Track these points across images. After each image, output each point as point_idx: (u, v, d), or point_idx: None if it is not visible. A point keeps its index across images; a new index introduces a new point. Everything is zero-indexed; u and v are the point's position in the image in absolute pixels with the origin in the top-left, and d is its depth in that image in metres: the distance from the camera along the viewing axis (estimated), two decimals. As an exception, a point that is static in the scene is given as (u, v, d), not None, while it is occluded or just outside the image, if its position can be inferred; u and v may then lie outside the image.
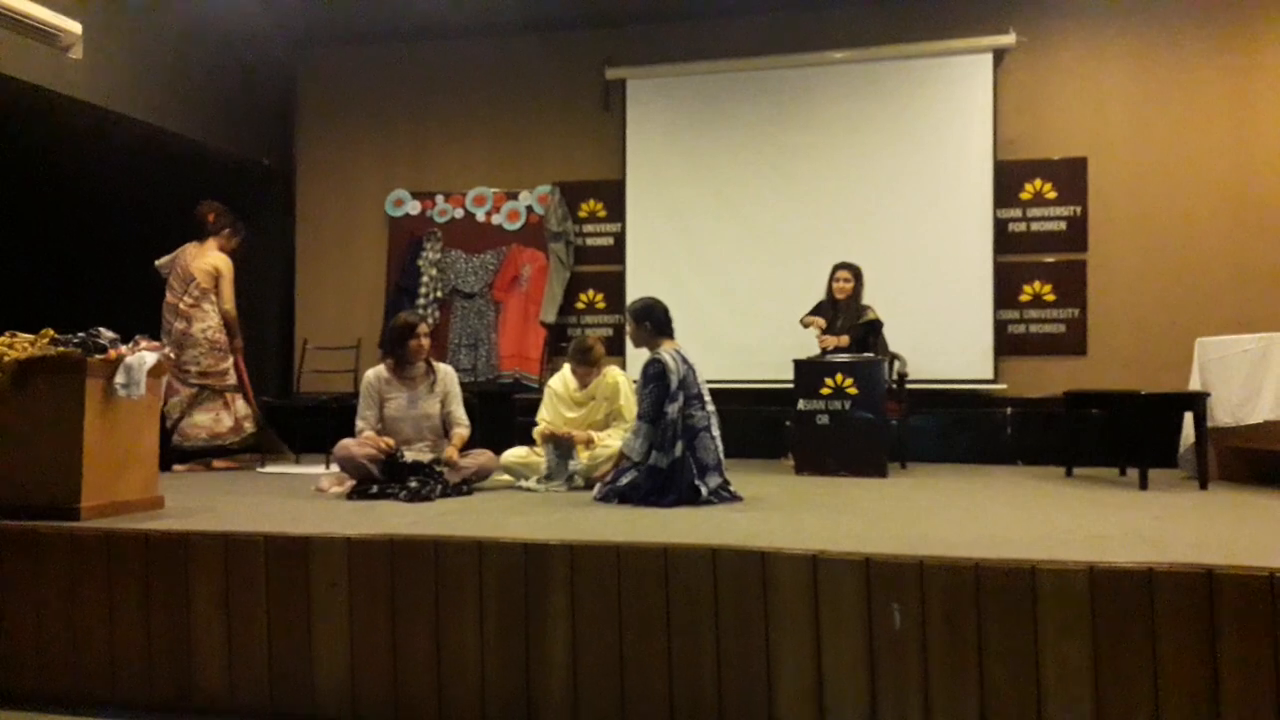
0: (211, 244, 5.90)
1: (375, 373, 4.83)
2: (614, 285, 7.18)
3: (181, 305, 5.71)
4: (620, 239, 7.19)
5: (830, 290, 5.93)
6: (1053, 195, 6.57)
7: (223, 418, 5.76)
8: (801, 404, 5.48)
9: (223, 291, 5.79)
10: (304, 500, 4.35)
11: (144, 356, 3.81)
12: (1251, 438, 4.89)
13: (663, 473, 4.14)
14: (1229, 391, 4.90)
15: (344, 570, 3.11)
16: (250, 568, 3.18)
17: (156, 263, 5.92)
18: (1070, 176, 6.55)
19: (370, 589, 3.09)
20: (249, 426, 5.88)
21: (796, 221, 6.84)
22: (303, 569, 3.14)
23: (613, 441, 4.73)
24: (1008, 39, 6.50)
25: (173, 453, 5.52)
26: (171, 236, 5.95)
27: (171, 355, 4.03)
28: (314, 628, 3.11)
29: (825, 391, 5.42)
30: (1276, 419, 4.59)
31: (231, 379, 5.84)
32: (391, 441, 4.54)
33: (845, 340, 5.74)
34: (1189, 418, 5.08)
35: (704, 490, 4.14)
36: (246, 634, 3.16)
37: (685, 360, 4.29)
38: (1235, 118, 6.36)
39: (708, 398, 4.33)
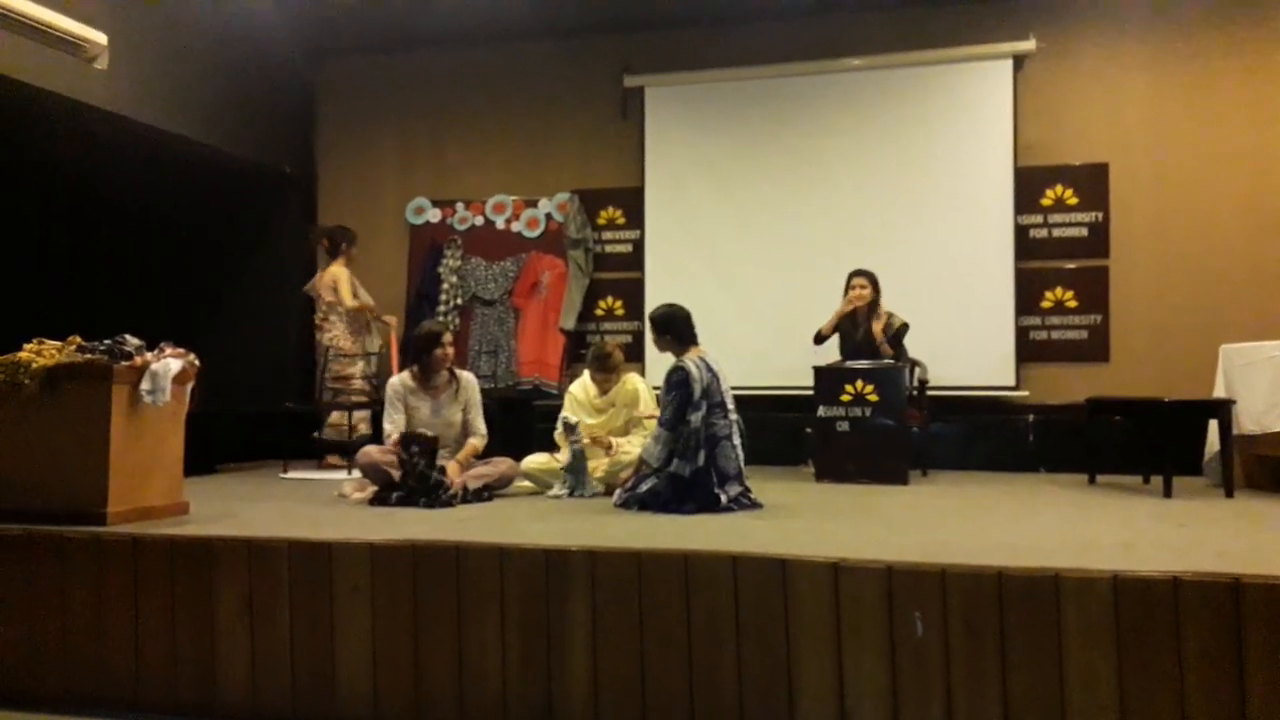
0: (337, 262, 6.51)
1: (400, 379, 4.86)
2: (633, 292, 7.19)
3: (316, 319, 6.55)
4: (639, 246, 7.20)
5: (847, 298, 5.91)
6: (1074, 201, 6.53)
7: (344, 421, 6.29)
8: (822, 410, 5.46)
9: (341, 294, 6.39)
10: (327, 506, 4.38)
11: (169, 363, 3.85)
12: (1277, 445, 4.83)
13: (684, 480, 4.14)
14: (1254, 398, 4.85)
15: (367, 576, 3.13)
16: (274, 573, 3.21)
17: (304, 288, 6.79)
18: (1091, 182, 6.51)
19: (392, 595, 3.11)
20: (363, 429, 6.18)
21: (815, 228, 6.82)
22: (326, 574, 3.16)
23: (633, 448, 4.72)
24: (1028, 45, 6.47)
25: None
26: (194, 243, 6.03)
27: (196, 362, 4.07)
28: (336, 633, 3.13)
29: (845, 398, 5.40)
30: (1303, 426, 4.54)
31: (357, 386, 6.30)
32: (458, 473, 4.52)
33: (868, 294, 5.80)
34: (1214, 425, 5.03)
35: (724, 498, 4.14)
36: (269, 639, 3.19)
37: (710, 368, 4.29)
38: (1256, 122, 6.30)
39: (731, 405, 4.32)
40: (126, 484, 3.68)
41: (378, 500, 4.40)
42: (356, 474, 4.98)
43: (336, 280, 6.42)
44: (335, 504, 4.48)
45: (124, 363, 3.73)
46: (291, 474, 5.92)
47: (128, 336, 3.87)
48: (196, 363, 4.06)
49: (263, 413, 6.72)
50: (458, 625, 3.04)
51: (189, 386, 4.06)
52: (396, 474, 4.44)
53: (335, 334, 6.43)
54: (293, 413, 6.30)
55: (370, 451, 4.57)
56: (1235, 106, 6.33)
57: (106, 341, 3.81)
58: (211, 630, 3.24)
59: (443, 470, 4.44)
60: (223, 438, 6.56)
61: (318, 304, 6.55)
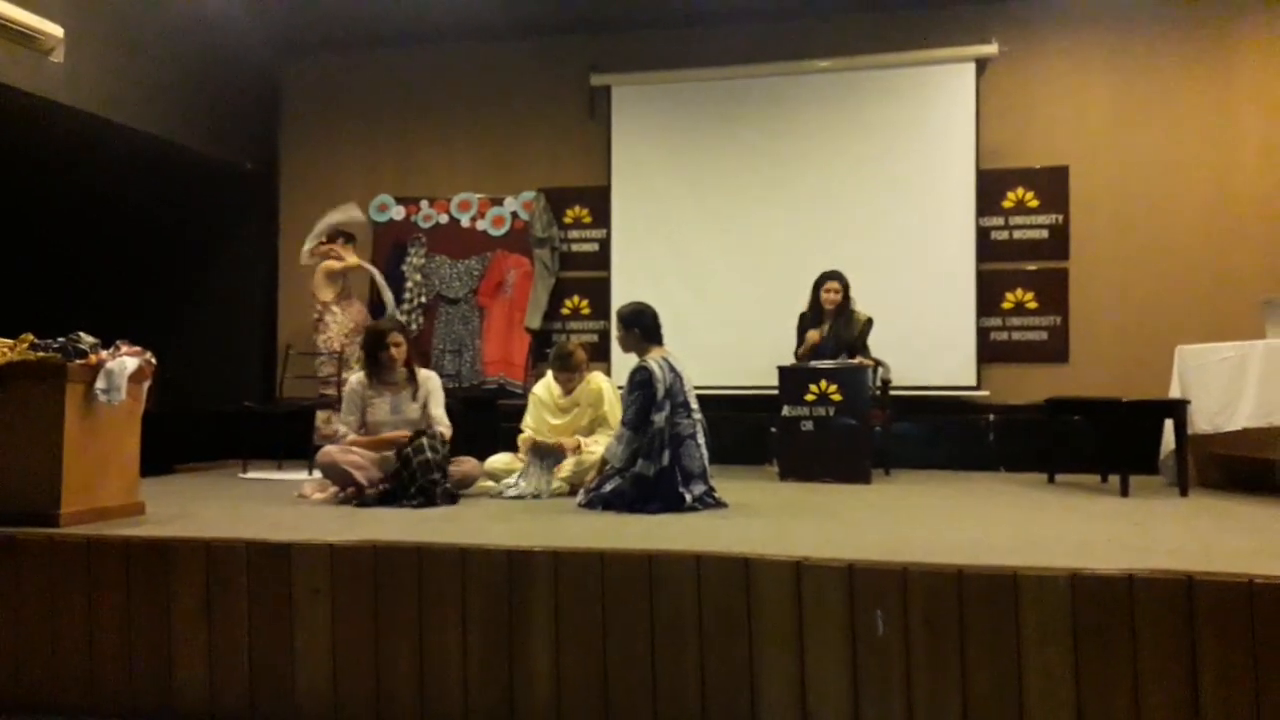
0: (327, 264, 6.52)
1: (358, 378, 4.82)
2: (599, 291, 7.18)
3: (313, 320, 6.54)
4: (605, 245, 7.19)
5: (818, 301, 5.93)
6: (1035, 204, 6.62)
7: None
8: (786, 410, 5.49)
9: (348, 262, 6.51)
10: (286, 506, 4.33)
11: (125, 362, 3.79)
12: (1230, 445, 4.93)
13: (648, 480, 4.14)
14: (1208, 399, 4.94)
15: (326, 577, 3.10)
16: (232, 574, 3.17)
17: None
18: (1052, 185, 6.60)
19: (353, 596, 3.08)
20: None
21: (781, 228, 6.86)
22: (285, 576, 3.12)
23: (598, 448, 4.71)
24: (990, 49, 6.54)
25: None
26: (153, 240, 5.93)
27: (153, 360, 4.00)
28: (296, 635, 3.09)
29: (810, 398, 5.44)
30: (1254, 426, 4.62)
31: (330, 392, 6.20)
32: (407, 433, 4.48)
33: (838, 298, 5.84)
34: (1169, 425, 5.12)
35: (688, 498, 4.14)
36: (228, 641, 3.14)
37: (673, 368, 4.29)
38: (1214, 127, 6.43)
39: (695, 405, 4.33)
40: (80, 484, 3.62)
41: (360, 501, 4.33)
42: (317, 474, 4.93)
43: (328, 270, 6.48)
44: (295, 504, 4.43)
45: (78, 361, 3.66)
46: (251, 474, 5.85)
47: (82, 334, 3.81)
48: (153, 361, 3.99)
49: (222, 412, 6.64)
50: (419, 627, 3.02)
51: (146, 385, 3.99)
52: (358, 474, 4.40)
53: (330, 335, 6.40)
54: (252, 412, 6.21)
55: (331, 451, 4.53)
56: (1194, 113, 6.45)
57: (60, 339, 3.73)
58: (168, 633, 3.18)
59: (442, 468, 4.40)
60: (181, 437, 6.47)
61: (313, 306, 6.55)
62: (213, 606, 3.17)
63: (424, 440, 4.38)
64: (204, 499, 4.57)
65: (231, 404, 6.38)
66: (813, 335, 5.84)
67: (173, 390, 5.65)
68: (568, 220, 7.28)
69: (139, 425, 3.99)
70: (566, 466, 4.78)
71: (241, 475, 5.82)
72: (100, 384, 3.69)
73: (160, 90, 6.53)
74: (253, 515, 3.99)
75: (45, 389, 3.57)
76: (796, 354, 5.92)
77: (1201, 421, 4.94)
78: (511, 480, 4.76)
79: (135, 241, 7.40)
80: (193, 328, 7.41)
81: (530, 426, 5.03)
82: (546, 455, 4.80)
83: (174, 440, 6.30)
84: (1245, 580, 2.54)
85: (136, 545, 3.26)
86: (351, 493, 4.43)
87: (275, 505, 4.37)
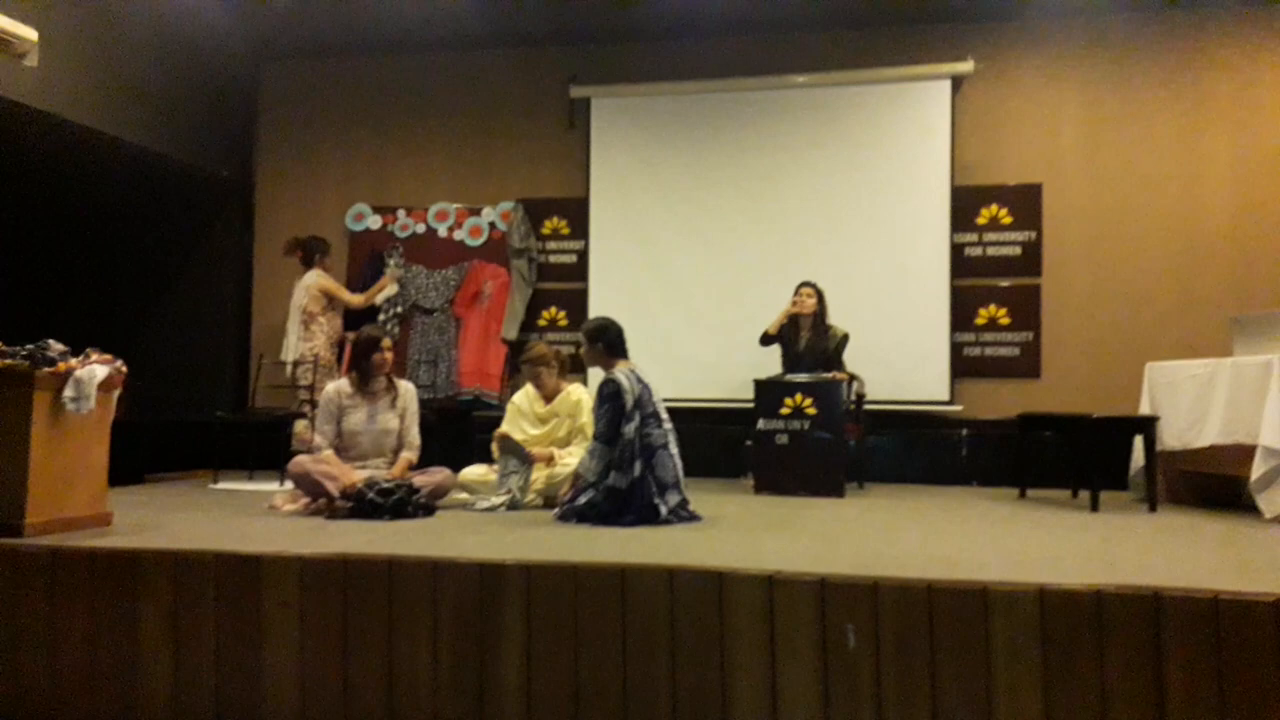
0: (314, 272, 6.47)
1: (336, 386, 4.79)
2: (577, 303, 7.17)
3: (298, 327, 6.41)
4: (584, 256, 7.20)
5: (785, 327, 5.99)
6: (1008, 220, 6.69)
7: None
8: (761, 424, 5.51)
9: (342, 297, 6.54)
10: (256, 518, 4.29)
11: (94, 370, 3.75)
12: (1198, 461, 4.99)
13: (621, 493, 4.14)
14: (1177, 416, 5.00)
15: (296, 590, 3.07)
16: (199, 587, 3.13)
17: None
18: (1025, 202, 6.67)
19: (322, 609, 3.05)
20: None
21: (758, 242, 6.89)
22: (254, 588, 3.09)
23: (572, 460, 4.71)
24: (966, 66, 6.62)
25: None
26: (127, 247, 5.88)
27: (123, 369, 3.96)
28: (264, 649, 3.06)
29: (785, 411, 5.46)
30: (1222, 443, 4.68)
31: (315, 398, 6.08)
32: (358, 479, 4.40)
33: (813, 303, 5.89)
34: (1139, 441, 5.18)
35: (663, 509, 4.14)
36: (194, 655, 3.10)
37: (640, 379, 4.30)
38: (1184, 147, 6.53)
39: (665, 415, 4.34)
40: (46, 494, 3.57)
41: (332, 514, 4.29)
42: (289, 485, 4.89)
43: (326, 290, 6.44)
44: (265, 516, 4.38)
45: (46, 369, 3.62)
46: (222, 485, 5.79)
47: (51, 341, 3.76)
48: (124, 369, 3.95)
49: (194, 421, 6.57)
50: (389, 641, 3.00)
51: (116, 394, 3.95)
52: (330, 485, 4.36)
53: (316, 344, 6.35)
54: (224, 421, 6.16)
55: (303, 461, 4.49)
56: (1165, 133, 6.55)
57: (29, 346, 3.69)
58: (134, 645, 3.14)
59: (414, 488, 4.36)
60: (152, 447, 6.40)
61: (293, 315, 6.43)
62: (179, 619, 3.13)
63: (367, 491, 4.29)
64: (173, 509, 4.51)
65: (203, 413, 6.32)
66: (774, 323, 5.97)
67: (144, 399, 5.60)
68: (546, 231, 7.28)
69: (108, 434, 3.94)
70: (540, 479, 4.76)
71: (212, 486, 5.76)
72: (69, 392, 3.65)
73: (136, 96, 6.48)
74: (222, 526, 3.95)
75: (11, 396, 3.52)
76: (767, 331, 5.99)
77: (1170, 438, 5.00)
78: (490, 500, 4.72)
79: (108, 248, 7.34)
80: (165, 336, 7.35)
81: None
82: (518, 454, 4.75)
83: (144, 450, 6.23)
84: (1210, 596, 2.56)
85: (102, 556, 3.22)
86: (323, 504, 4.40)
87: (245, 516, 4.32)
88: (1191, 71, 6.53)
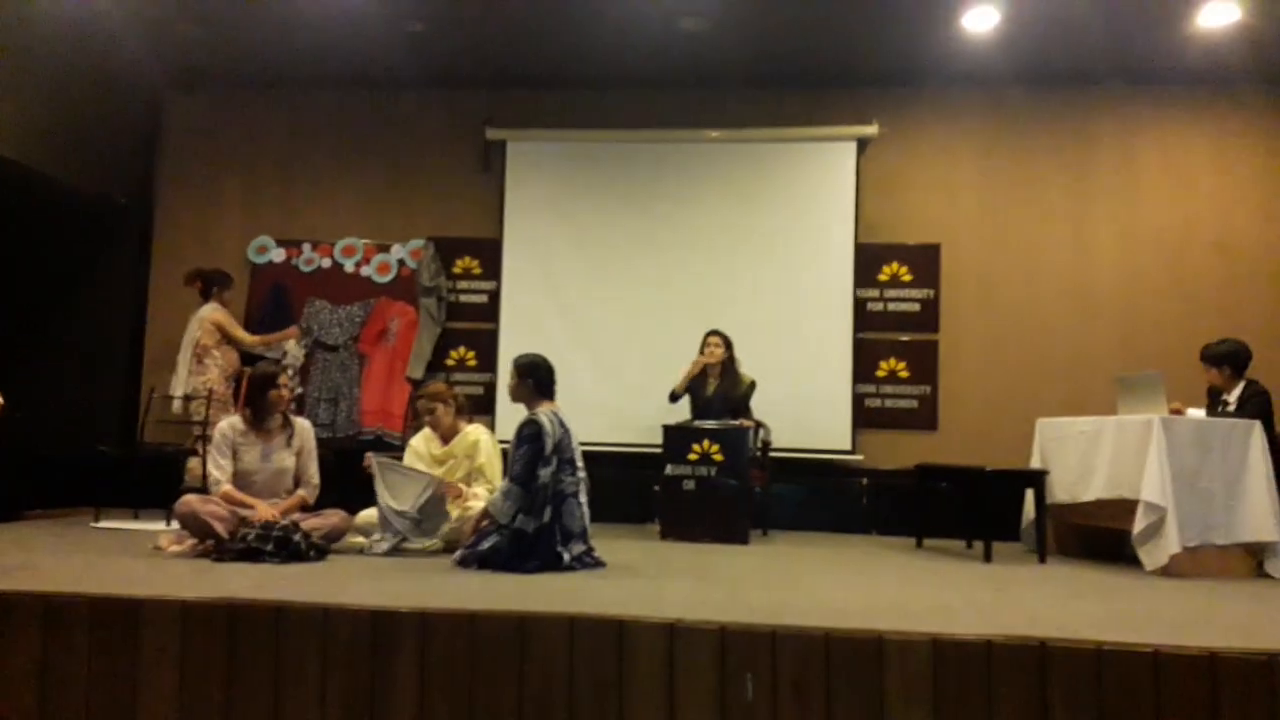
0: (210, 306, 6.30)
1: (229, 423, 4.62)
2: (486, 344, 7.12)
3: (189, 360, 6.23)
4: (495, 297, 7.16)
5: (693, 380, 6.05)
6: (908, 278, 6.92)
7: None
8: (669, 469, 5.52)
9: (236, 335, 6.30)
10: (139, 559, 4.08)
11: (-34, 400, 3.54)
12: (1085, 515, 5.16)
13: (528, 537, 4.07)
14: (1066, 470, 5.18)
15: (176, 636, 2.92)
16: (71, 633, 2.95)
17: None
18: (925, 261, 6.92)
19: (205, 658, 2.90)
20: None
21: (668, 290, 6.96)
22: (131, 635, 2.93)
23: (479, 501, 4.59)
24: (871, 129, 6.86)
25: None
26: (11, 273, 5.60)
27: (0, 400, 3.76)
28: (139, 700, 2.89)
29: (692, 457, 5.48)
30: (1107, 498, 4.86)
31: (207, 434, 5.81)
32: (275, 514, 4.26)
33: (720, 352, 5.97)
34: (1030, 494, 5.35)
35: (567, 557, 4.09)
36: (62, 706, 2.91)
37: (563, 424, 4.26)
38: (1074, 214, 6.88)
39: (580, 463, 4.30)
40: (-95, 532, 3.34)
41: (218, 554, 4.11)
42: (175, 525, 4.68)
43: (220, 325, 6.26)
44: (149, 557, 4.17)
45: (-88, 398, 3.41)
46: (104, 523, 5.50)
47: (-81, 369, 3.54)
48: (0, 401, 3.74)
49: (78, 456, 6.25)
50: (275, 691, 2.87)
51: (-12, 427, 3.73)
52: (219, 526, 4.19)
53: (210, 378, 6.13)
54: (108, 457, 5.87)
55: (190, 501, 4.30)
56: (1057, 199, 6.90)
57: (-107, 374, 3.47)
58: (-6, 696, 2.94)
59: (296, 526, 4.21)
60: (31, 482, 6.06)
61: (185, 348, 6.25)
62: (48, 668, 2.94)
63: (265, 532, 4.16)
64: (49, 549, 4.27)
65: (88, 447, 6.02)
66: (680, 383, 6.03)
67: (24, 431, 5.30)
68: (457, 270, 7.23)
69: (-22, 469, 3.72)
70: (445, 524, 4.62)
71: (94, 524, 5.47)
72: (-64, 424, 3.44)
73: (30, 118, 6.23)
74: (101, 568, 3.74)
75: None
76: (674, 390, 6.05)
77: (1060, 491, 5.18)
78: (378, 536, 4.57)
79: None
80: (51, 365, 6.99)
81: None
82: (413, 479, 4.60)
83: (24, 485, 5.90)
84: (1094, 647, 2.65)
85: (-36, 600, 3.01)
86: (211, 545, 4.21)
87: (127, 557, 4.11)
88: (1080, 142, 6.91)
